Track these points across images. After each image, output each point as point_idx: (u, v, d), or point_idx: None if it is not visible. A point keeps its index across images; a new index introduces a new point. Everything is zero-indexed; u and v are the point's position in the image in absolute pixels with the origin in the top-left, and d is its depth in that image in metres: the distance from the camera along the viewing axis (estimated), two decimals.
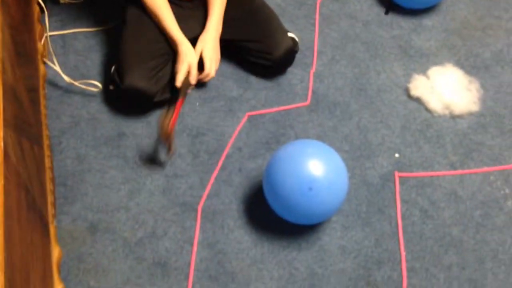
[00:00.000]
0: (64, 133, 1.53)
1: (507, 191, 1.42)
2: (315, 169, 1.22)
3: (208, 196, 1.41)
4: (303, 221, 1.31)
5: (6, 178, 0.85)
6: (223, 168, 1.47)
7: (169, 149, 1.41)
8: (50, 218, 1.23)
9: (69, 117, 1.56)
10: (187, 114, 1.56)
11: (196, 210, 1.39)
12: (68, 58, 1.69)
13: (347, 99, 1.63)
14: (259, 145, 1.52)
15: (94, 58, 1.70)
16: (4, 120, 0.91)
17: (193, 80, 1.49)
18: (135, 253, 1.32)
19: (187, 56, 1.48)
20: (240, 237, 1.35)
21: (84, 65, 1.68)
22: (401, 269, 1.29)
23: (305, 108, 1.61)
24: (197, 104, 1.59)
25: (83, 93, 1.61)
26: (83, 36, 1.76)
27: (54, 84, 1.62)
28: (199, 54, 1.51)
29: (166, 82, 1.51)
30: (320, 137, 1.54)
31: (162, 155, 1.46)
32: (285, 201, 1.25)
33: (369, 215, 1.38)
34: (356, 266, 1.29)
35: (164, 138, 1.39)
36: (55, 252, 1.17)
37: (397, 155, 1.50)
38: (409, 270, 1.29)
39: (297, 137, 1.54)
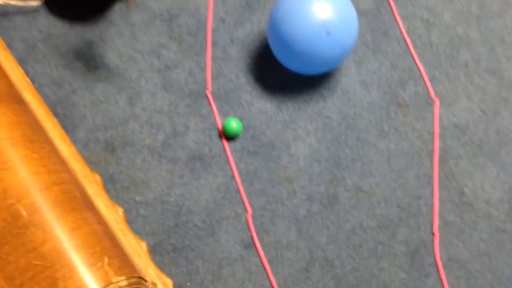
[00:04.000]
0: (24, 62, 1.33)
1: None
2: (328, 11, 1.15)
3: (213, 78, 1.33)
4: (321, 70, 1.27)
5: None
6: (214, 44, 1.36)
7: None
8: None
9: (20, 43, 1.35)
10: None
11: (206, 96, 1.31)
12: None
13: None
14: (240, 9, 1.40)
15: None
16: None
17: None
18: (166, 156, 1.25)
19: None
20: (262, 107, 1.30)
21: None
22: (423, 82, 1.31)
23: None
24: None
25: (23, 12, 1.38)
26: None
27: None
28: None
29: None
30: None
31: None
32: (302, 53, 1.19)
33: (376, 43, 1.36)
34: (382, 94, 1.31)
35: None
36: (96, 179, 1.08)
37: None
38: (431, 80, 1.32)
39: None
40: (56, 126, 0.78)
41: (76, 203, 0.64)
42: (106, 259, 0.60)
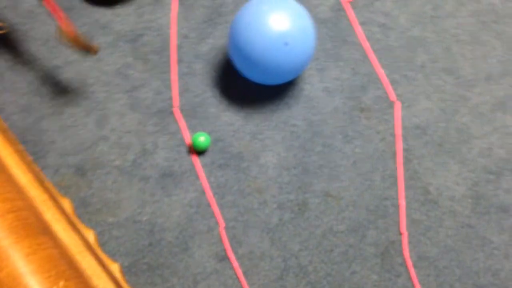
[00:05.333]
0: None
1: None
2: (285, 22, 1.18)
3: (179, 94, 1.35)
4: (282, 80, 1.30)
5: None
6: (179, 61, 1.39)
7: (89, 49, 1.24)
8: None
9: None
10: (113, 21, 1.42)
11: (173, 113, 1.33)
12: None
13: None
14: (203, 24, 1.43)
15: None
16: None
17: None
18: (136, 176, 1.27)
19: None
20: (229, 119, 1.32)
21: None
22: (383, 86, 1.35)
23: None
24: (118, 6, 1.44)
25: None
26: None
27: None
28: None
29: None
30: None
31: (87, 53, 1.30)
32: (262, 65, 1.21)
33: (336, 50, 1.39)
34: (345, 100, 1.33)
35: (77, 45, 1.22)
36: (66, 204, 1.10)
37: None
38: (392, 82, 1.35)
39: (235, 3, 1.46)
40: (13, 155, 0.79)
41: (31, 229, 0.66)
42: (61, 282, 0.61)
